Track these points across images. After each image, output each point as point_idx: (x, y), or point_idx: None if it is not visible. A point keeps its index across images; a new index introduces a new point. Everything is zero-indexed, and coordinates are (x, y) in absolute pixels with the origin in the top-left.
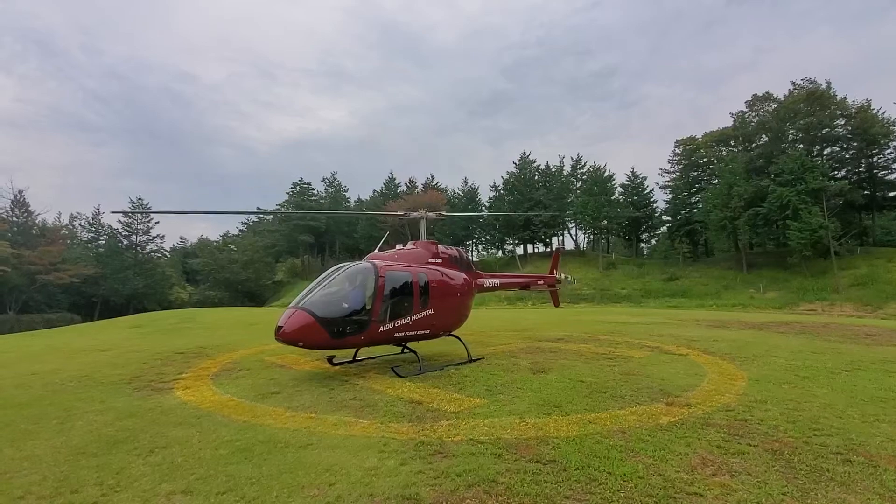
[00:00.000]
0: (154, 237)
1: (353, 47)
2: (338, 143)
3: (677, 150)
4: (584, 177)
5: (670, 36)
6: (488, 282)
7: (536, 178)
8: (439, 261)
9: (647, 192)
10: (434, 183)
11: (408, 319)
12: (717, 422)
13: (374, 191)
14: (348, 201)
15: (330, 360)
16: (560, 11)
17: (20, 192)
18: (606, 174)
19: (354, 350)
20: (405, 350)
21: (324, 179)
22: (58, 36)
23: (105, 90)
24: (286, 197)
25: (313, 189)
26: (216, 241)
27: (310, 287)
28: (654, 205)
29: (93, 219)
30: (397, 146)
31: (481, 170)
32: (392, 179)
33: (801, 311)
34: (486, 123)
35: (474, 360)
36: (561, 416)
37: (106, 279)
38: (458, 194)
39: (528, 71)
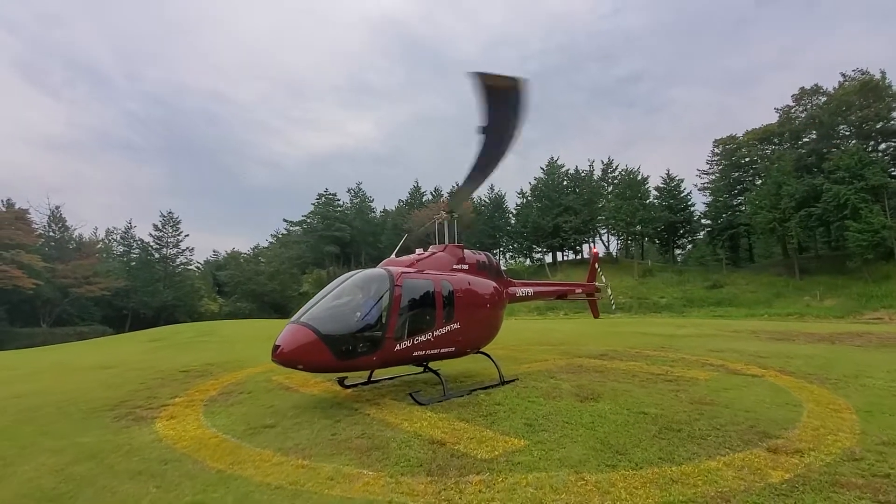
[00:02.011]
0: (184, 250)
1: (378, 62)
2: (364, 156)
3: (716, 151)
4: (615, 180)
5: (697, 39)
6: (521, 291)
7: (565, 183)
8: (465, 267)
9: (684, 194)
10: None
11: (429, 335)
12: (848, 479)
13: (400, 200)
14: (374, 211)
15: (341, 381)
16: (582, 18)
17: (57, 207)
18: (639, 177)
19: (369, 371)
20: (427, 370)
21: (349, 190)
22: (104, 63)
23: (146, 112)
24: (312, 208)
25: (339, 200)
26: (246, 254)
27: (314, 298)
28: (693, 208)
29: (125, 232)
30: (423, 157)
31: (507, 178)
32: (417, 189)
33: (866, 321)
34: None
35: (507, 382)
36: (630, 469)
37: (136, 292)
38: (485, 202)
39: (551, 78)
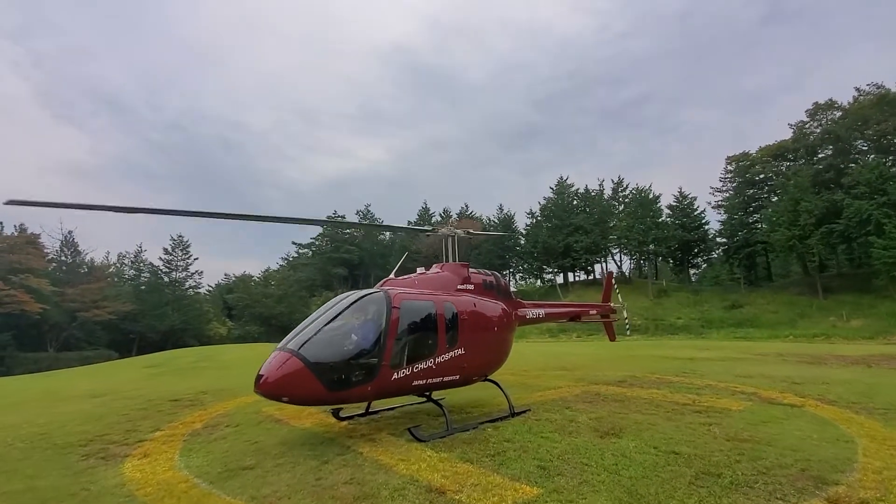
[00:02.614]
0: (192, 273)
1: (389, 90)
2: (375, 181)
3: (729, 168)
4: (626, 199)
5: (706, 61)
6: (531, 312)
7: (576, 202)
8: (471, 287)
9: (697, 212)
10: (469, 212)
11: (431, 362)
12: None
13: (409, 222)
14: (383, 233)
15: (336, 413)
16: (590, 44)
17: (69, 232)
18: (651, 195)
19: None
20: (429, 400)
21: (358, 212)
22: (126, 94)
23: (166, 141)
24: (320, 230)
25: (348, 222)
26: (257, 278)
27: (304, 322)
28: (707, 226)
29: (135, 256)
30: (432, 181)
31: (517, 200)
32: (426, 210)
33: None
34: (520, 156)
35: (518, 414)
36: None
37: (144, 315)
38: (494, 222)
39: (560, 103)
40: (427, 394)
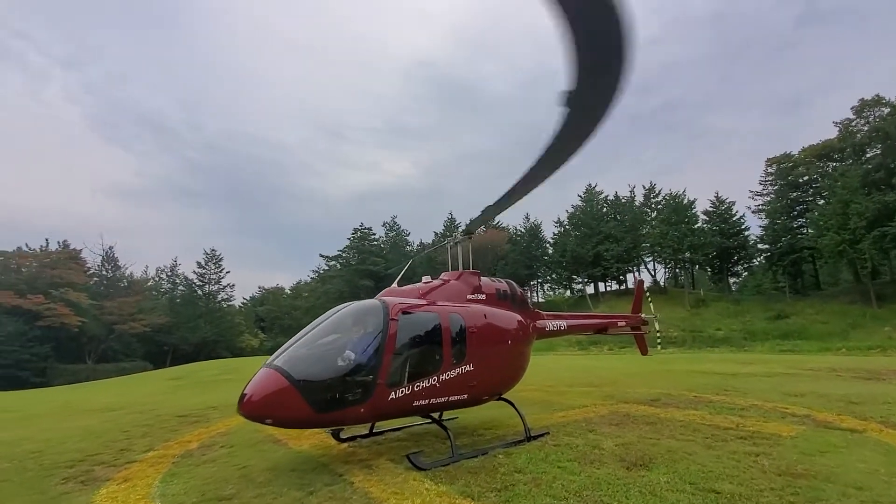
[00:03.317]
0: (225, 286)
1: (415, 104)
2: (402, 193)
3: (769, 170)
4: (659, 206)
5: (739, 65)
6: (551, 324)
7: (605, 210)
8: (482, 297)
9: (736, 217)
10: (497, 223)
11: (434, 380)
12: None
13: (435, 233)
14: (409, 244)
15: (336, 434)
16: None
17: (110, 248)
18: (685, 201)
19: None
20: (434, 422)
21: (384, 224)
22: (167, 117)
23: (204, 160)
24: (347, 242)
25: (374, 234)
26: (289, 290)
27: (296, 335)
28: (747, 232)
29: (171, 270)
30: (459, 192)
31: (545, 210)
32: (452, 221)
33: None
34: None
35: (534, 438)
36: None
37: (178, 328)
38: (520, 231)
39: None
40: (432, 415)
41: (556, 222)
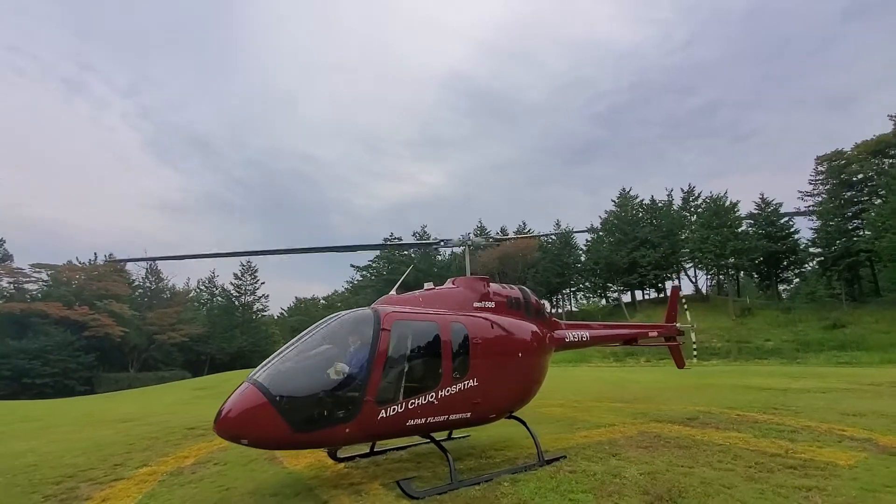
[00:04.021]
0: (260, 297)
1: (448, 116)
2: (435, 203)
3: (820, 169)
4: (699, 209)
5: (782, 62)
6: (571, 335)
7: (641, 214)
8: (491, 305)
9: (784, 220)
10: (527, 230)
11: (432, 397)
12: None
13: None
14: (440, 254)
15: (332, 453)
16: (651, 55)
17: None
18: (728, 202)
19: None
20: (433, 442)
21: (414, 234)
22: (212, 135)
23: (247, 176)
24: (377, 252)
25: (404, 244)
26: (323, 301)
27: (282, 348)
28: (797, 235)
29: (209, 281)
30: (492, 202)
31: (579, 217)
32: (482, 229)
33: None
34: (582, 171)
35: (549, 462)
36: None
37: (215, 337)
38: (552, 238)
39: (622, 116)
40: (430, 436)
41: (589, 228)
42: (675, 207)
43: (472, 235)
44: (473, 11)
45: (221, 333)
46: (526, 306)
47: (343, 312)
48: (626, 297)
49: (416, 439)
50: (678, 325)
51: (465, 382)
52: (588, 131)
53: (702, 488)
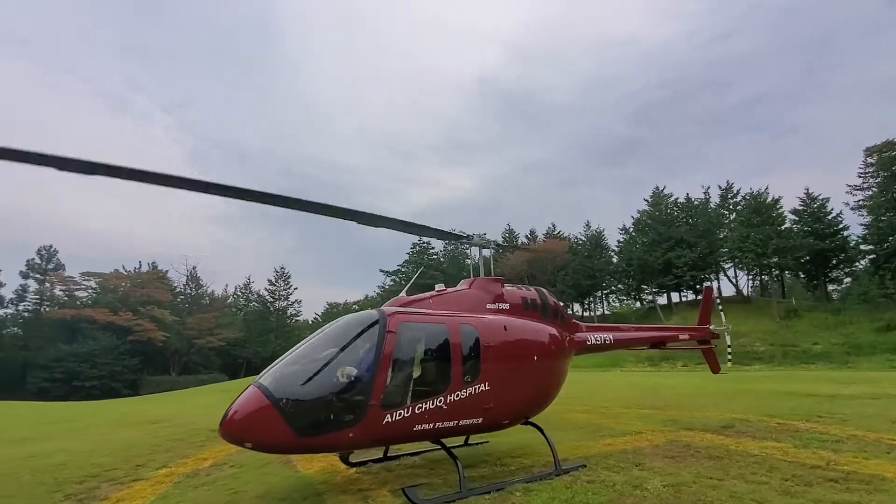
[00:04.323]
0: (293, 302)
1: (475, 120)
2: (465, 207)
3: (870, 161)
4: (738, 206)
5: (827, 53)
6: (593, 338)
7: (675, 213)
8: (505, 307)
9: (831, 216)
10: (556, 232)
11: (440, 401)
12: None
13: (501, 241)
14: (469, 257)
15: (344, 457)
16: (684, 50)
17: (193, 268)
18: (769, 199)
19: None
20: (443, 448)
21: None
22: (251, 147)
23: (283, 185)
24: (406, 257)
25: (432, 248)
26: (356, 306)
27: (288, 351)
28: (846, 232)
29: (245, 287)
30: (521, 205)
31: (612, 219)
32: (510, 232)
33: None
34: (615, 172)
35: (566, 472)
36: None
37: (251, 342)
38: (581, 240)
39: (657, 114)
40: (441, 442)
41: (621, 229)
42: (712, 205)
43: (488, 236)
44: (499, 14)
45: (257, 338)
46: (543, 308)
47: (350, 315)
48: (662, 300)
49: (431, 445)
50: (712, 327)
51: (476, 387)
52: (621, 131)
53: (731, 503)
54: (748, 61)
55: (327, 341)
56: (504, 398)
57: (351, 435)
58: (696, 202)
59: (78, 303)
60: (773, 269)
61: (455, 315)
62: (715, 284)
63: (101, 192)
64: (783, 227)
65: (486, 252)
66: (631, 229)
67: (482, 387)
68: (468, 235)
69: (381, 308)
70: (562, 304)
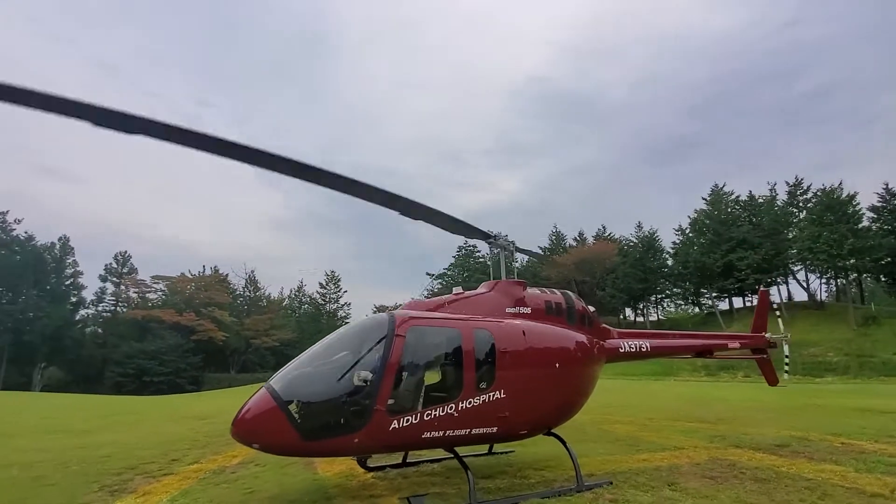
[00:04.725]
0: (343, 305)
1: (525, 122)
2: (515, 210)
3: None
4: (808, 204)
5: None
6: (627, 345)
7: (737, 212)
8: (527, 311)
9: None
10: (607, 234)
11: (451, 408)
12: None
13: (540, 247)
14: (516, 261)
15: (362, 461)
16: (748, 39)
17: (252, 271)
18: (845, 195)
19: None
20: (456, 457)
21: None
22: (309, 157)
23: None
24: (452, 260)
25: (478, 251)
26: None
27: (303, 353)
28: None
29: (298, 290)
30: (572, 207)
31: (667, 220)
32: (558, 234)
33: None
34: (673, 170)
35: (590, 488)
36: None
37: (303, 342)
38: (632, 241)
39: (718, 107)
40: (453, 451)
41: (677, 229)
42: (779, 203)
43: (512, 239)
44: (548, 13)
45: (309, 338)
46: (568, 313)
47: (364, 318)
48: (724, 305)
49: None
50: (768, 335)
51: (491, 394)
52: (677, 127)
53: None
54: (821, 49)
55: (337, 344)
56: (521, 407)
57: (356, 440)
58: (760, 200)
59: (150, 304)
60: (848, 272)
61: (470, 319)
62: (784, 289)
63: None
64: (860, 226)
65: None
66: (687, 230)
67: (497, 394)
68: (494, 235)
69: (394, 311)
70: (592, 308)
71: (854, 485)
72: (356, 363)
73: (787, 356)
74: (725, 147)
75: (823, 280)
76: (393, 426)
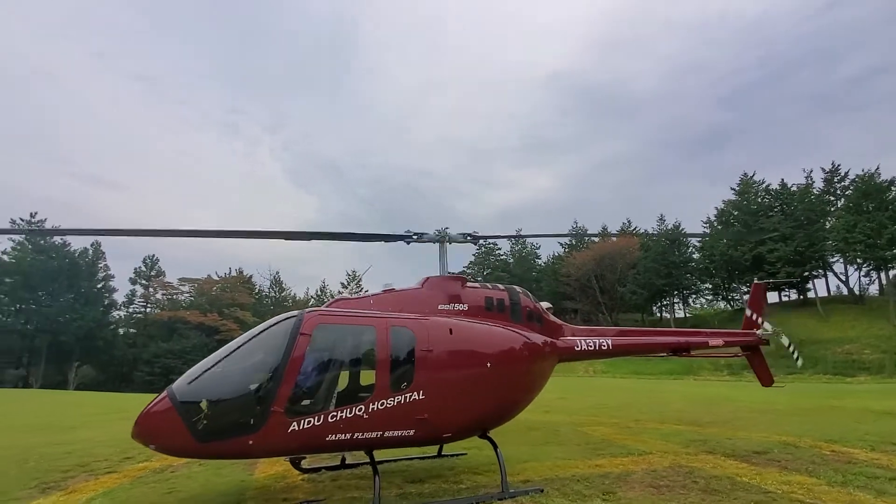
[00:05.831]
0: None
1: (553, 117)
2: (543, 207)
3: None
4: (846, 191)
5: None
6: (584, 343)
7: (768, 201)
8: (464, 307)
9: None
10: (631, 228)
11: (360, 410)
12: None
13: (561, 244)
14: (538, 257)
15: (295, 462)
16: (782, 24)
17: (277, 272)
18: (883, 181)
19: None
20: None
21: (510, 238)
22: (340, 161)
23: (369, 194)
24: (472, 258)
25: (499, 248)
26: None
27: (213, 353)
28: None
29: (320, 290)
30: (603, 202)
31: (700, 212)
32: (581, 229)
33: None
34: (706, 162)
35: (513, 496)
36: None
37: None
38: (654, 236)
39: (751, 96)
40: (371, 455)
41: (704, 222)
42: (814, 191)
43: (449, 231)
44: (571, 5)
45: None
46: (512, 309)
47: (277, 316)
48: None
49: (394, 455)
50: (759, 332)
51: (408, 395)
52: (711, 117)
53: None
54: (861, 30)
55: (244, 345)
56: (444, 408)
57: (251, 442)
58: (793, 188)
59: (180, 305)
60: (889, 263)
61: (387, 316)
62: (821, 282)
63: (199, 210)
64: None
65: (451, 247)
66: (714, 221)
67: (415, 395)
68: (418, 234)
69: (306, 310)
70: (547, 305)
71: (816, 500)
72: (257, 364)
73: (796, 352)
74: (758, 137)
75: (863, 273)
76: (292, 428)
